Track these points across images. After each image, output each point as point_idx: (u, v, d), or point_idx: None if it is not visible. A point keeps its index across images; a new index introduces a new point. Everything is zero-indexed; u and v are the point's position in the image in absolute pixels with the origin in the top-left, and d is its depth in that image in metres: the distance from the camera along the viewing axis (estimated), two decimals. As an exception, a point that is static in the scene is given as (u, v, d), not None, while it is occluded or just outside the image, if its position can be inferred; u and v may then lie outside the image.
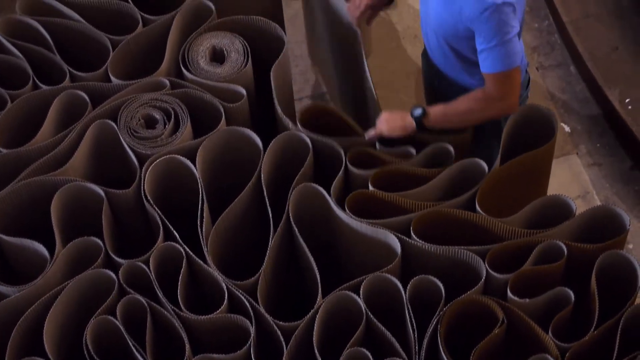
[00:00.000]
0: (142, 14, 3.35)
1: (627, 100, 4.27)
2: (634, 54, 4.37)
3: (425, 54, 3.45)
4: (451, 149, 3.04)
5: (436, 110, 3.09)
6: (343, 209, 2.95)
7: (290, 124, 3.13)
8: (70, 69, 3.24)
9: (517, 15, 2.97)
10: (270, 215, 2.97)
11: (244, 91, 3.20)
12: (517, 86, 3.04)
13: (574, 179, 4.26)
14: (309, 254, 2.90)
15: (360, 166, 3.04)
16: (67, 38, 3.35)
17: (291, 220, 2.96)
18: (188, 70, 3.26)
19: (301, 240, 2.93)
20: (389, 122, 3.11)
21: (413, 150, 3.08)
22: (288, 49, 3.34)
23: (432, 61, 3.34)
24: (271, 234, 2.95)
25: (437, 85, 3.40)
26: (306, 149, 3.08)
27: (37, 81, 3.23)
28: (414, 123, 3.08)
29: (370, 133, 3.15)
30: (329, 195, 2.98)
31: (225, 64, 3.28)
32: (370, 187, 2.98)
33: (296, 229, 2.94)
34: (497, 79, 3.01)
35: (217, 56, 3.32)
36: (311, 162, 3.07)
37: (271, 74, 3.22)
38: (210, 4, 3.36)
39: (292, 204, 2.98)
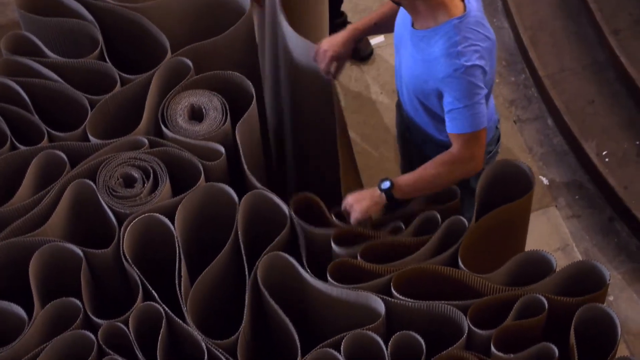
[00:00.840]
0: (120, 73, 3.36)
1: (604, 152, 4.30)
2: (609, 107, 4.41)
3: (399, 105, 3.47)
4: (438, 216, 3.03)
5: (404, 180, 3.06)
6: (317, 276, 2.93)
7: (257, 183, 3.12)
8: (49, 129, 3.23)
9: (486, 77, 2.99)
10: (247, 275, 2.95)
11: (222, 149, 3.20)
12: (483, 148, 3.05)
13: (554, 231, 4.26)
14: (283, 316, 2.88)
15: (344, 243, 3.02)
16: (46, 98, 3.35)
17: (260, 286, 2.94)
18: (167, 128, 3.26)
19: (273, 303, 2.91)
20: (359, 203, 3.06)
21: (402, 225, 3.06)
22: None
23: (405, 113, 3.36)
24: (247, 294, 2.93)
25: (409, 137, 3.42)
26: (275, 207, 3.08)
27: (15, 142, 3.22)
28: (384, 196, 3.05)
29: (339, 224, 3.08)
30: (300, 264, 2.95)
31: (204, 122, 3.28)
32: (359, 259, 2.96)
33: (267, 293, 2.93)
34: (464, 140, 3.02)
35: (196, 114, 3.32)
36: (287, 231, 3.06)
37: (236, 131, 3.22)
38: (188, 62, 3.37)
39: (261, 271, 2.96)
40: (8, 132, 3.23)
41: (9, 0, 4.92)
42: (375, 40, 4.82)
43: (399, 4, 3.03)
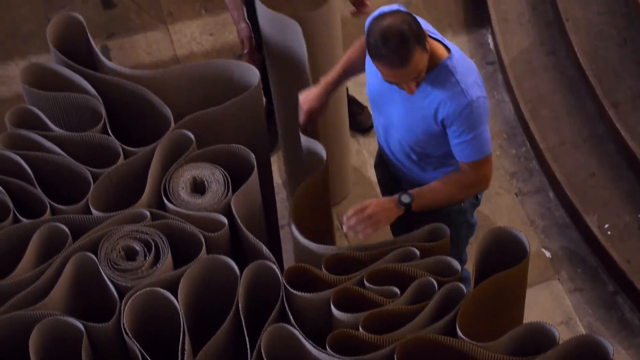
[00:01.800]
0: (123, 146, 3.37)
1: (606, 225, 4.30)
2: (610, 180, 4.42)
3: (380, 165, 3.50)
4: (434, 282, 3.02)
5: (423, 196, 3.19)
6: (319, 347, 2.92)
7: (264, 248, 3.13)
8: (51, 202, 3.24)
9: (488, 105, 3.13)
10: (249, 348, 2.94)
11: (225, 220, 3.20)
12: (491, 168, 3.22)
13: (557, 305, 4.24)
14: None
15: (343, 306, 3.01)
16: (48, 171, 3.36)
17: (264, 358, 2.93)
18: (169, 201, 3.27)
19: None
20: (377, 215, 3.14)
21: (397, 290, 3.06)
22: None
23: (395, 168, 3.42)
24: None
25: (400, 188, 3.43)
26: (276, 278, 3.07)
27: (17, 214, 3.23)
28: (403, 209, 3.18)
29: (354, 223, 3.17)
30: (304, 336, 2.94)
31: (206, 195, 3.29)
32: (361, 329, 2.95)
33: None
34: (475, 166, 3.18)
35: (198, 187, 3.33)
36: (281, 303, 3.05)
37: (232, 203, 3.23)
38: (190, 135, 3.39)
39: (265, 344, 2.95)
40: (11, 205, 3.24)
41: (14, 73, 4.96)
42: (377, 113, 4.85)
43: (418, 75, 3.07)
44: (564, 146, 4.54)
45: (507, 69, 4.80)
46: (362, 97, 4.72)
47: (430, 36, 3.09)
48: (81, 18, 3.60)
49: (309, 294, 3.00)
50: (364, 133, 4.78)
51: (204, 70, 3.54)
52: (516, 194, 4.57)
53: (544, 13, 4.96)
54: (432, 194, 3.23)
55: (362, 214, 3.16)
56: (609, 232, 4.28)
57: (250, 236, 3.16)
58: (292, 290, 3.01)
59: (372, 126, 4.78)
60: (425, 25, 3.14)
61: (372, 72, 3.21)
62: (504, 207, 4.53)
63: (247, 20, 4.05)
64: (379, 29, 2.94)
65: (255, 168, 3.31)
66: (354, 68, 3.42)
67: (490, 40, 5.06)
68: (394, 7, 3.11)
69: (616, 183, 4.41)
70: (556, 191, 4.53)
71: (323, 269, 3.08)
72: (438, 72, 3.06)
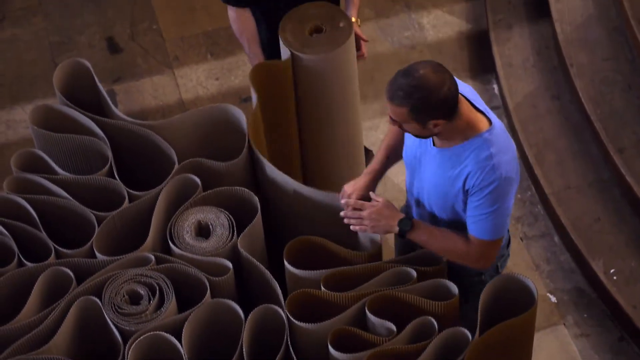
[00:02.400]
0: (129, 190, 3.38)
1: (611, 270, 4.29)
2: (615, 225, 4.41)
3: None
4: (434, 322, 3.02)
5: (420, 234, 3.17)
6: None
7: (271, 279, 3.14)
8: (56, 246, 3.24)
9: (515, 189, 3.08)
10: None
11: (230, 265, 3.20)
12: (496, 253, 3.17)
13: (562, 350, 4.22)
14: None
15: (342, 347, 3.00)
16: (53, 214, 3.37)
17: None
18: (174, 244, 3.27)
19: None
20: (374, 221, 3.17)
21: (394, 327, 3.05)
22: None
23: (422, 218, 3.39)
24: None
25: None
26: (282, 324, 3.06)
27: (22, 258, 3.23)
28: (397, 230, 3.16)
29: (349, 215, 3.20)
30: None
31: (211, 239, 3.29)
32: None
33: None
34: (482, 244, 3.12)
35: (203, 231, 3.33)
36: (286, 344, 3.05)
37: (238, 244, 3.24)
38: (196, 179, 3.40)
39: None
40: (15, 249, 3.24)
41: (20, 117, 4.98)
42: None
43: (430, 136, 3.06)
44: (569, 191, 4.54)
45: (512, 114, 4.81)
46: (368, 141, 4.73)
47: (473, 105, 3.08)
48: (88, 64, 3.62)
49: (311, 324, 3.00)
50: (369, 177, 4.78)
51: (208, 114, 3.55)
52: (521, 239, 4.57)
53: (548, 58, 4.99)
54: (429, 237, 3.18)
55: (359, 211, 3.20)
56: (614, 277, 4.26)
57: (260, 266, 3.17)
58: (294, 321, 3.00)
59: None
60: (472, 95, 3.13)
61: (409, 135, 3.20)
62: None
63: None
64: (415, 65, 2.97)
65: (259, 212, 3.32)
66: (396, 153, 3.41)
67: (495, 85, 5.08)
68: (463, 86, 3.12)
69: (621, 228, 4.40)
70: (561, 236, 4.52)
71: (322, 288, 3.09)
72: (476, 142, 3.03)
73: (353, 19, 3.94)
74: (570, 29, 4.88)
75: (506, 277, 3.10)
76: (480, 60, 5.20)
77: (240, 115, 3.50)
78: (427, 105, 2.93)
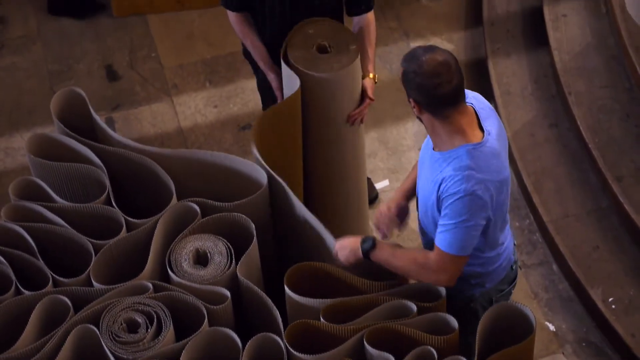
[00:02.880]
0: (127, 217, 3.38)
1: (610, 299, 4.28)
2: (614, 253, 4.41)
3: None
4: (434, 352, 3.01)
5: (383, 251, 3.20)
6: None
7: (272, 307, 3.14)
8: (53, 274, 3.24)
9: (484, 212, 3.04)
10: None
11: (228, 293, 3.20)
12: (458, 272, 3.12)
13: (561, 379, 4.21)
14: None
15: None
16: (51, 242, 3.36)
17: None
18: (172, 272, 3.26)
19: None
20: (342, 251, 3.26)
21: (392, 358, 3.04)
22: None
23: (421, 230, 3.41)
24: None
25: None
26: (280, 352, 3.05)
27: (19, 287, 3.22)
28: (360, 253, 3.21)
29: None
30: None
31: (209, 267, 3.28)
32: None
33: None
34: (441, 255, 3.09)
35: (201, 259, 3.33)
36: None
37: (237, 271, 3.23)
38: (195, 207, 3.39)
39: None
40: (13, 277, 3.24)
41: (19, 145, 4.99)
42: (380, 185, 4.86)
43: (419, 119, 3.12)
44: (568, 219, 4.54)
45: (511, 142, 4.81)
46: (367, 168, 4.73)
47: (478, 119, 3.09)
48: (83, 93, 3.63)
49: (310, 355, 2.99)
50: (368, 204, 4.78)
51: (212, 160, 3.56)
52: (520, 267, 4.56)
53: (546, 87, 5.00)
54: (391, 254, 3.19)
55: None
56: (613, 306, 4.26)
57: (259, 292, 3.16)
58: (293, 352, 2.99)
59: (376, 196, 4.80)
60: (485, 112, 3.15)
61: (426, 140, 3.26)
62: (507, 280, 4.51)
63: (277, 70, 4.02)
64: (438, 48, 3.03)
65: (255, 238, 3.32)
66: None
67: (493, 113, 5.10)
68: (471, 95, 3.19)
69: (620, 256, 4.40)
70: (560, 264, 4.51)
71: (322, 319, 3.08)
72: (458, 151, 3.04)
73: (370, 75, 3.93)
74: (568, 58, 4.90)
75: (504, 306, 3.09)
76: (479, 88, 5.19)
77: (250, 168, 3.51)
78: (410, 79, 2.99)
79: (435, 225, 3.15)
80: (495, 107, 5.03)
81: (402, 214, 3.44)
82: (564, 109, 4.85)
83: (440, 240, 3.07)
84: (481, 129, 3.08)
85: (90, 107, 3.62)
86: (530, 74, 5.07)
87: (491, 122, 3.13)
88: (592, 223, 4.50)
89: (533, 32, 5.23)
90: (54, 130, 3.65)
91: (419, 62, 2.97)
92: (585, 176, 4.65)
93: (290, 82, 3.74)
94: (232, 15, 4.00)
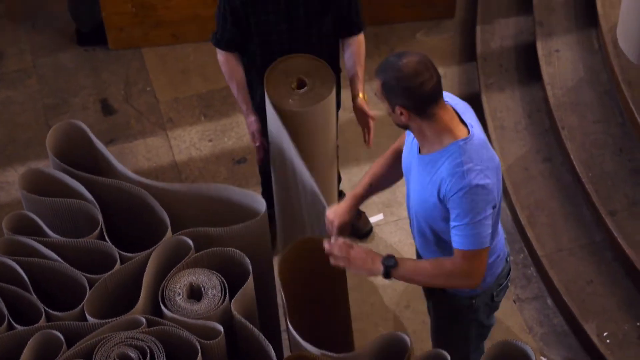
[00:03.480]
0: (120, 251, 3.37)
1: (605, 334, 4.27)
2: (608, 287, 4.40)
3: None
4: None
5: (406, 267, 3.19)
6: None
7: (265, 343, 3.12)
8: (46, 309, 3.23)
9: (491, 199, 3.10)
10: None
11: (221, 328, 3.19)
12: (484, 266, 3.16)
13: (556, 414, 4.20)
14: None
15: None
16: (45, 277, 3.36)
17: None
18: (166, 307, 3.25)
19: None
20: (358, 261, 3.21)
21: None
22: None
23: (417, 246, 3.44)
24: None
25: None
26: None
27: (12, 322, 3.21)
28: (381, 270, 3.18)
29: (335, 251, 3.24)
30: None
31: (203, 301, 3.28)
32: None
33: None
34: (466, 256, 3.12)
35: (195, 293, 3.32)
36: None
37: (231, 307, 3.23)
38: (189, 241, 3.39)
39: None
40: (5, 312, 3.23)
41: (13, 179, 4.99)
42: (375, 219, 4.86)
43: (406, 127, 3.15)
44: (562, 253, 4.54)
45: (504, 176, 4.82)
46: (360, 203, 4.73)
47: (460, 118, 3.14)
48: (83, 125, 3.65)
49: None
50: (362, 238, 4.79)
51: (210, 192, 3.57)
52: (514, 301, 4.55)
53: (539, 121, 5.02)
54: (415, 269, 3.22)
55: (346, 250, 3.23)
56: (608, 341, 4.25)
57: (254, 330, 3.15)
58: None
59: (370, 230, 4.80)
60: (463, 108, 3.21)
61: (406, 145, 3.29)
62: (502, 313, 4.50)
63: (257, 113, 4.07)
64: (409, 52, 3.10)
65: (251, 275, 3.31)
66: (380, 183, 3.48)
67: (487, 147, 5.11)
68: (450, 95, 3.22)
69: (614, 291, 4.40)
70: (554, 298, 4.51)
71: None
72: (450, 149, 3.09)
73: (360, 95, 3.99)
74: (561, 93, 4.92)
75: (503, 344, 3.09)
76: (472, 123, 5.23)
77: (246, 198, 3.52)
78: (393, 86, 3.04)
79: (438, 226, 3.21)
80: (490, 141, 5.03)
81: (349, 221, 3.46)
82: (557, 143, 4.87)
83: (459, 242, 3.11)
84: (463, 123, 3.15)
85: (92, 137, 3.63)
86: (523, 108, 5.09)
87: (470, 115, 3.21)
88: (586, 257, 4.50)
89: (526, 67, 5.26)
90: (49, 165, 3.65)
91: (396, 67, 3.04)
92: (579, 210, 4.66)
93: (273, 120, 3.76)
94: (221, 55, 4.03)
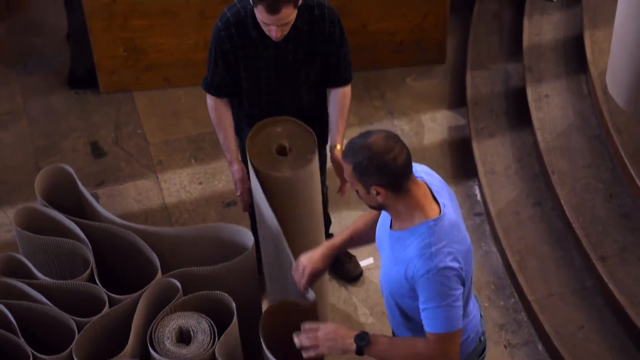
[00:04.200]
0: (109, 294, 3.36)
1: (596, 379, 4.26)
2: (599, 333, 4.39)
3: None
4: None
5: (380, 346, 3.13)
6: None
7: None
8: (34, 352, 3.21)
9: (460, 281, 3.05)
10: None
11: (209, 372, 3.18)
12: (457, 346, 3.10)
13: None
14: None
15: None
16: (33, 320, 3.34)
17: None
18: (154, 350, 3.23)
19: None
20: (329, 342, 3.15)
21: None
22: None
23: (390, 320, 3.39)
24: None
25: None
26: None
27: (-1, 364, 3.19)
28: (354, 348, 3.13)
29: (304, 342, 3.17)
30: None
31: (192, 345, 3.26)
32: None
33: None
34: (438, 338, 3.07)
35: (184, 337, 3.30)
36: None
37: (215, 352, 3.21)
38: (177, 283, 3.38)
39: None
40: (-8, 356, 3.21)
41: (2, 221, 4.97)
42: (365, 262, 4.85)
43: (380, 208, 3.11)
44: (552, 298, 4.53)
45: (495, 220, 4.83)
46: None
47: (433, 195, 3.11)
48: (70, 169, 3.65)
49: None
50: (351, 282, 4.77)
51: (199, 232, 3.57)
52: (505, 346, 4.54)
53: (529, 166, 5.03)
54: (389, 349, 3.16)
55: (313, 336, 3.17)
56: (599, 387, 4.24)
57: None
58: None
59: (360, 274, 4.79)
60: (438, 185, 3.17)
61: (380, 219, 3.25)
62: (493, 359, 4.48)
63: (241, 162, 4.07)
64: (372, 131, 3.05)
65: (235, 316, 3.30)
66: (360, 237, 3.45)
67: (477, 192, 5.11)
68: None
69: (606, 336, 4.38)
70: (545, 344, 4.49)
71: None
72: (420, 228, 3.06)
73: (338, 147, 3.98)
74: (551, 137, 4.94)
75: None
76: (463, 167, 5.24)
77: (235, 233, 3.51)
78: (368, 166, 2.99)
79: (405, 303, 3.16)
80: (480, 186, 5.05)
81: (323, 270, 3.43)
82: (547, 188, 4.88)
83: (430, 325, 3.06)
84: (436, 201, 3.11)
85: (78, 183, 3.63)
86: (514, 153, 5.11)
87: (444, 194, 3.17)
88: (576, 302, 4.50)
89: (516, 112, 5.29)
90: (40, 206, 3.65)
91: (366, 147, 2.99)
92: (569, 255, 4.65)
93: (255, 186, 3.77)
94: (210, 99, 4.04)
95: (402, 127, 5.40)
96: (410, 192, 3.04)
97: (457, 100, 5.54)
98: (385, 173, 2.99)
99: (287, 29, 3.78)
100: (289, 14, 3.71)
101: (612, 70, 4.80)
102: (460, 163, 5.24)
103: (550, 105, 5.08)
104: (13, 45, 5.87)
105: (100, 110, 5.51)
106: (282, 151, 3.75)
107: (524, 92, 5.20)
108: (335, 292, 4.71)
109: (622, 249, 4.49)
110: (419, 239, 3.04)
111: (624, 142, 4.63)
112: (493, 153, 5.12)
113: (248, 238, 3.49)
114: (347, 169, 3.04)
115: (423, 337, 3.13)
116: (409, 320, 3.24)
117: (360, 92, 5.54)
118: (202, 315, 3.32)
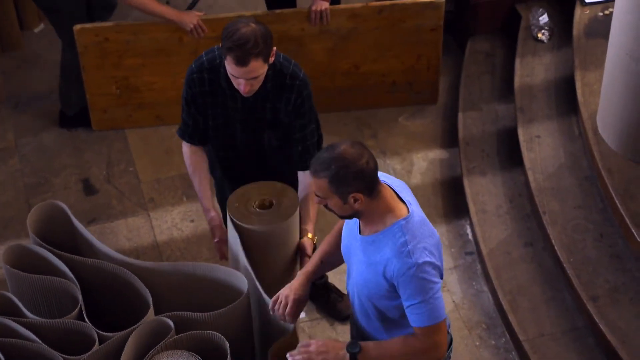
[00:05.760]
0: (99, 332, 3.34)
1: (588, 421, 4.24)
2: (591, 375, 4.39)
3: (351, 320, 3.54)
4: None
5: (372, 351, 3.20)
6: None
7: None
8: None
9: (438, 273, 3.16)
10: None
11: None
12: (445, 335, 3.20)
13: None
14: None
15: None
16: (22, 358, 3.32)
17: None
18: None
19: None
20: (322, 355, 3.20)
21: None
22: None
23: (357, 323, 3.44)
24: None
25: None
26: None
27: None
28: (347, 357, 3.19)
29: (297, 358, 3.22)
30: None
31: (181, 384, 3.24)
32: None
33: None
34: (426, 332, 3.16)
35: (173, 376, 3.29)
36: None
37: None
38: (170, 322, 3.37)
39: None
40: (-19, 394, 3.18)
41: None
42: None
43: (354, 216, 3.18)
44: (543, 338, 4.52)
45: (486, 260, 4.83)
46: (342, 285, 4.72)
47: (398, 195, 3.20)
48: (64, 205, 3.65)
49: None
50: (343, 321, 4.76)
51: (194, 269, 3.56)
52: (496, 387, 4.53)
53: (521, 206, 5.04)
54: (381, 350, 3.23)
55: (306, 353, 3.22)
56: None
57: None
58: None
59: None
60: (400, 186, 3.27)
61: (345, 228, 3.33)
62: (484, 400, 4.47)
63: (218, 209, 4.06)
64: (336, 142, 3.12)
65: (229, 356, 3.29)
66: (330, 260, 3.53)
67: (469, 231, 5.11)
68: None
69: (596, 377, 4.38)
70: (536, 384, 4.48)
71: None
72: (393, 229, 3.14)
73: (309, 235, 3.91)
74: (542, 178, 4.95)
75: None
76: (455, 206, 5.25)
77: (230, 276, 3.51)
78: (345, 175, 3.05)
79: (382, 304, 3.23)
80: (471, 225, 5.06)
81: (305, 298, 3.46)
82: (538, 228, 4.89)
83: (417, 320, 3.14)
84: (402, 200, 3.21)
85: (72, 218, 3.63)
86: (505, 193, 5.12)
87: (407, 193, 3.28)
88: (567, 343, 4.49)
89: (508, 152, 5.30)
90: (29, 244, 3.64)
91: (338, 157, 3.06)
92: (560, 295, 4.65)
93: (232, 235, 3.77)
94: (185, 146, 4.03)
95: (394, 166, 5.41)
96: (381, 194, 3.14)
97: (449, 140, 5.56)
98: (362, 178, 3.08)
99: (256, 84, 3.70)
100: (258, 67, 3.63)
101: (602, 112, 4.83)
102: (451, 202, 5.25)
103: (541, 146, 5.10)
104: (5, 82, 5.88)
105: (93, 148, 5.52)
106: (262, 206, 3.77)
107: (516, 133, 5.23)
108: (325, 332, 4.69)
109: (613, 289, 4.49)
110: (393, 239, 3.13)
111: (615, 182, 4.65)
112: (484, 192, 5.13)
113: (242, 282, 3.48)
114: (321, 183, 3.09)
115: (411, 334, 3.22)
116: (386, 321, 3.31)
117: (353, 131, 5.56)
118: (192, 354, 3.31)
